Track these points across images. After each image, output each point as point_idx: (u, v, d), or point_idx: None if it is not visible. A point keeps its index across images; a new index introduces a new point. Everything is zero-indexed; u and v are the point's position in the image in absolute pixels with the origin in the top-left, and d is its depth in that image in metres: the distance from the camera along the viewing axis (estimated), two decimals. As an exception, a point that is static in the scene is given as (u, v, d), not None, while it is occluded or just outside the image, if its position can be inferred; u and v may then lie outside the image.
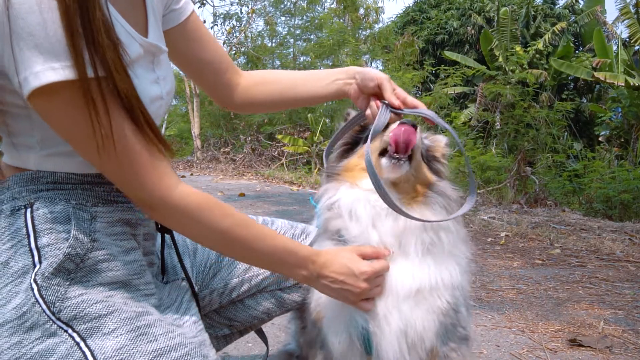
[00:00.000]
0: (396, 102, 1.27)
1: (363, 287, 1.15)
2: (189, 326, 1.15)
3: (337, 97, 1.43)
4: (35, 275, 0.96)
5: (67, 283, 0.98)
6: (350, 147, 1.37)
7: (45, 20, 0.84)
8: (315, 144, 12.98)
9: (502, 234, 4.85)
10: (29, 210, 1.00)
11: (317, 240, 1.33)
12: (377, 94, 1.32)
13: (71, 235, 1.00)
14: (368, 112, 1.32)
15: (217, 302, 1.44)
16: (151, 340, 0.99)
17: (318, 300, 1.30)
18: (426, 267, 1.21)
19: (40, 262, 0.98)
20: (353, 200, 1.24)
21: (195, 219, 1.05)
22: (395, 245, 1.21)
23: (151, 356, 0.97)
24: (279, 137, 13.71)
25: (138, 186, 1.00)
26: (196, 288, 1.36)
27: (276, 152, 14.15)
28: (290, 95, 1.46)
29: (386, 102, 1.29)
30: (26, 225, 0.99)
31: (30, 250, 0.98)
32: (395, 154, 1.21)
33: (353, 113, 1.43)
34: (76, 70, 0.87)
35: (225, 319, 1.50)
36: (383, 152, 1.25)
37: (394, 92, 1.29)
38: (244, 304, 1.48)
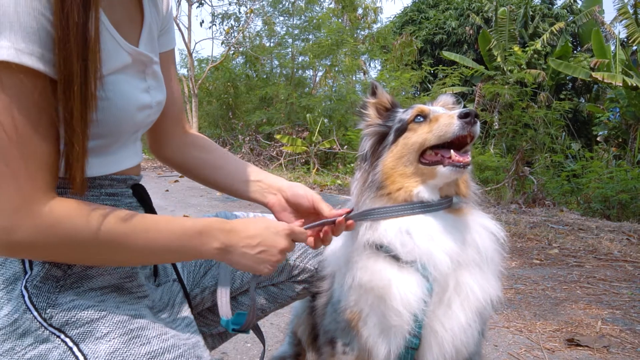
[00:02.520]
0: (339, 212, 1.25)
1: (284, 245, 1.10)
2: (182, 329, 1.15)
3: (256, 202, 1.35)
4: (26, 282, 0.97)
5: (57, 290, 0.99)
6: (381, 137, 1.31)
7: (18, 2, 0.82)
8: (313, 144, 12.98)
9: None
10: None
11: (358, 254, 1.24)
12: (311, 213, 1.29)
13: None
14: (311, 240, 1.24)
15: (210, 301, 1.44)
16: (144, 343, 0.99)
17: (357, 302, 1.25)
18: (486, 282, 1.21)
19: (30, 269, 0.98)
20: (407, 224, 1.19)
21: (59, 233, 0.90)
22: (457, 263, 1.18)
23: (145, 359, 0.98)
24: (278, 137, 13.70)
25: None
26: (188, 288, 1.36)
27: (275, 152, 14.13)
28: (216, 177, 1.38)
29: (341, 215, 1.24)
30: None
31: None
32: (458, 162, 1.16)
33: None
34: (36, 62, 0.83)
35: (218, 317, 1.49)
36: (426, 152, 1.22)
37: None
38: (236, 301, 1.48)
